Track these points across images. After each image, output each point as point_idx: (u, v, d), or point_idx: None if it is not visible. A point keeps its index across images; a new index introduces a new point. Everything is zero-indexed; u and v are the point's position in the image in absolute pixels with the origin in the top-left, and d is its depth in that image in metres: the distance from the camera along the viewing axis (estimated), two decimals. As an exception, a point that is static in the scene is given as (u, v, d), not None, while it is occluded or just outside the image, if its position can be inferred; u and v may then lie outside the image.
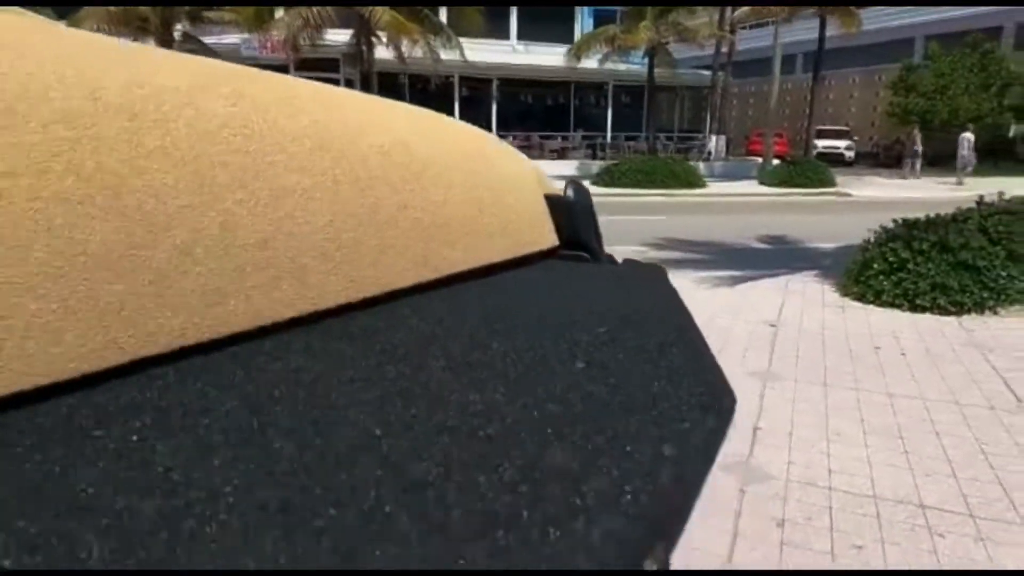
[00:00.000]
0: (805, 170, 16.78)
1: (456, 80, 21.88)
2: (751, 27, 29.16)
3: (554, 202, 0.60)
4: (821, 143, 25.25)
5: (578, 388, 0.35)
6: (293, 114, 0.37)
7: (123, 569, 0.23)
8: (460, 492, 0.26)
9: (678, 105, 28.80)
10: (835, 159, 24.61)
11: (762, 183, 17.19)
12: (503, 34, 24.25)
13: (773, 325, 4.57)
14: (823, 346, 4.12)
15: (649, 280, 0.58)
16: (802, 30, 23.16)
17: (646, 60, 18.19)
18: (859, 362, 3.83)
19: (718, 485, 2.45)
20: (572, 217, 0.60)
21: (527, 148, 22.91)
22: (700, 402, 0.37)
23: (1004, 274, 4.81)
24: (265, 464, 0.26)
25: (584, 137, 24.14)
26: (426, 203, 0.43)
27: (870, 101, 28.94)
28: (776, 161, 18.51)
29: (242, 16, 15.63)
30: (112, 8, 14.68)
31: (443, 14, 18.12)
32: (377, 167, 0.40)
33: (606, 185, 15.67)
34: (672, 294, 0.55)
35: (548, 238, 0.57)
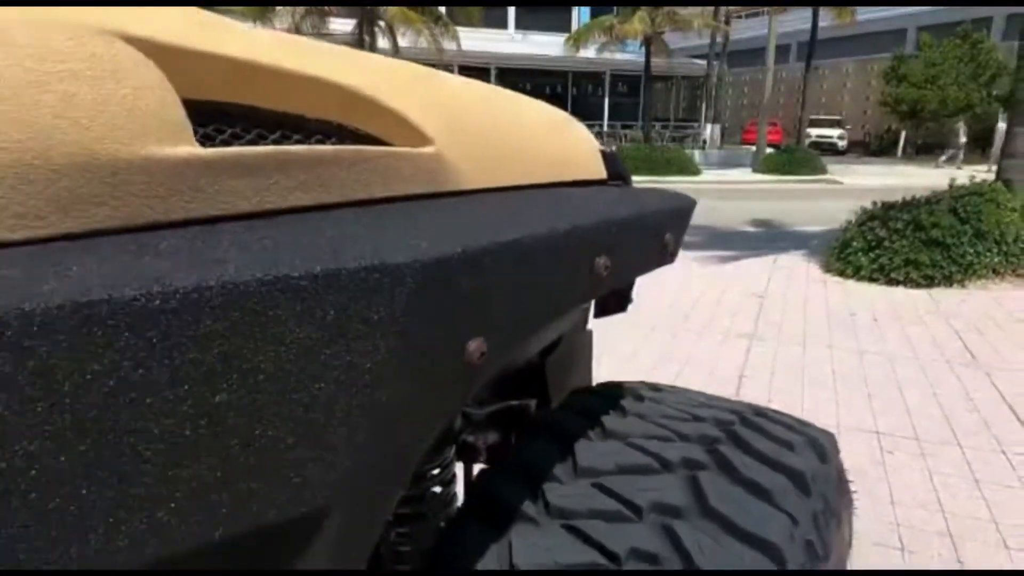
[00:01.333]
0: (797, 158, 17.23)
1: (455, 70, 22.17)
2: (747, 17, 29.50)
3: (603, 155, 1.02)
4: (814, 132, 25.70)
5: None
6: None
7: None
8: None
9: (674, 94, 29.17)
10: (828, 148, 25.09)
11: (755, 171, 17.64)
12: (501, 23, 24.55)
13: (760, 296, 5.01)
14: (804, 314, 4.56)
15: (651, 193, 0.98)
16: (798, 20, 23.52)
17: (643, 49, 18.54)
18: (835, 327, 4.28)
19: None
20: (611, 164, 1.02)
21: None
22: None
23: (971, 250, 5.26)
24: None
25: (582, 126, 24.48)
26: (555, 154, 0.85)
27: (863, 91, 29.37)
28: (770, 150, 18.95)
29: (243, 5, 15.89)
30: None
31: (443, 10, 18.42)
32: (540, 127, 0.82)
33: (604, 172, 16.07)
34: (657, 193, 0.94)
35: (601, 173, 0.99)
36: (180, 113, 0.38)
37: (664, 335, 4.07)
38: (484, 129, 0.68)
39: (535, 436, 0.80)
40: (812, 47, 18.29)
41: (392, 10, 14.59)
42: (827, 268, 5.85)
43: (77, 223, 0.34)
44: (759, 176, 16.90)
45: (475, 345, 0.46)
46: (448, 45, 17.11)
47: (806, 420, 0.91)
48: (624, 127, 24.14)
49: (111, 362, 0.28)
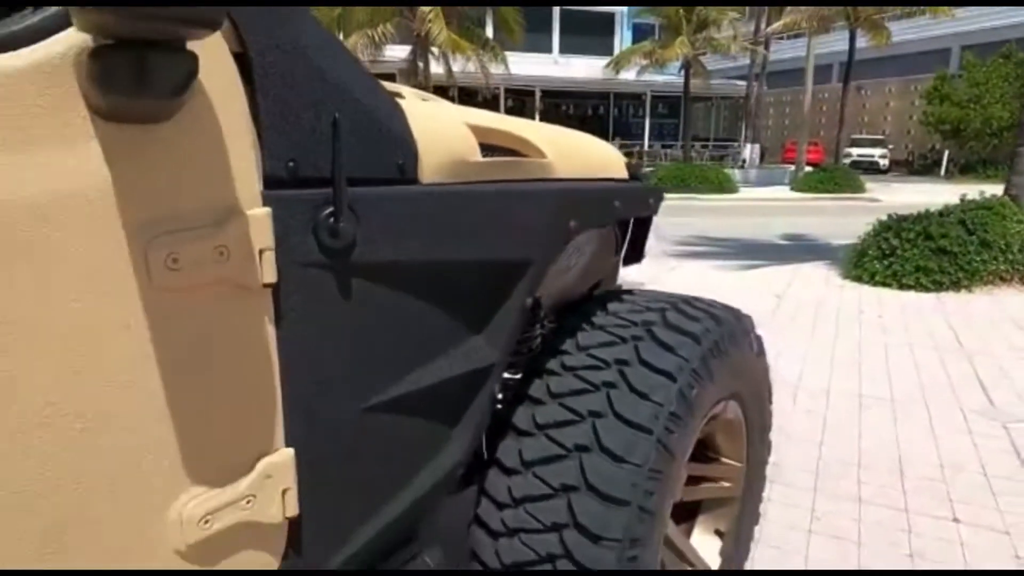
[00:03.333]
0: (835, 177, 17.58)
1: (502, 92, 23.16)
2: (789, 37, 29.83)
3: (627, 165, 1.75)
4: (856, 151, 25.85)
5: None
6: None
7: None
8: None
9: (714, 114, 29.62)
10: (870, 167, 25.20)
11: (793, 189, 18.03)
12: (546, 48, 25.50)
13: (778, 296, 5.62)
14: (816, 311, 5.16)
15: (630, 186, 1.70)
16: (839, 40, 23.86)
17: (683, 72, 19.20)
18: (842, 321, 4.87)
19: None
20: (631, 171, 1.75)
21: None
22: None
23: (977, 258, 5.77)
24: None
25: (622, 145, 25.17)
26: (600, 161, 1.58)
27: (906, 110, 29.35)
28: (808, 168, 19.31)
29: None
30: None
31: (489, 30, 19.42)
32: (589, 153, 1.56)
33: (643, 190, 16.70)
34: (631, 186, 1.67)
35: (624, 175, 1.72)
36: (476, 144, 1.12)
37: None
38: (567, 151, 1.41)
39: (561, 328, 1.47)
40: (849, 67, 18.66)
41: (443, 37, 15.61)
42: (845, 275, 6.40)
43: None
44: (795, 194, 17.29)
45: (574, 223, 1.19)
46: (495, 69, 18.07)
47: (728, 305, 1.59)
48: (665, 146, 24.76)
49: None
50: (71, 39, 0.58)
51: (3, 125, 0.55)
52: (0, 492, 0.58)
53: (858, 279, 6.19)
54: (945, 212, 6.19)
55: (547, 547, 1.14)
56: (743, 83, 23.56)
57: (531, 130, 1.30)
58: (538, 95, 24.21)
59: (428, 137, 0.98)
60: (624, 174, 1.72)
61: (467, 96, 22.10)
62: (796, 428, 2.99)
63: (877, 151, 26.41)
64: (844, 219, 12.55)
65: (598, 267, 1.85)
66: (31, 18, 0.58)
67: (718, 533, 1.67)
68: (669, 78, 22.07)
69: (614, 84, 22.37)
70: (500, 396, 1.31)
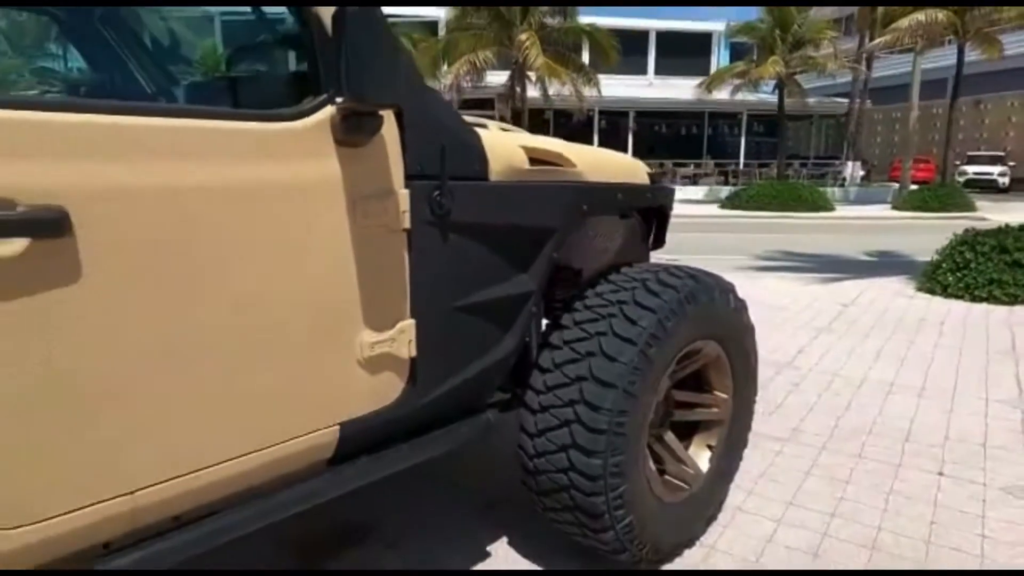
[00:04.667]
0: (941, 195, 16.93)
1: (596, 113, 23.85)
2: (900, 52, 28.69)
3: (649, 175, 2.37)
4: (971, 169, 24.51)
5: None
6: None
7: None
8: None
9: (814, 132, 28.91)
10: (987, 185, 23.80)
11: (895, 208, 17.49)
12: (641, 70, 25.97)
13: (844, 305, 5.91)
14: (879, 318, 5.43)
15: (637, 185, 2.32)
16: (952, 54, 22.86)
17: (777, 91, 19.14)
18: (902, 328, 5.13)
19: (765, 372, 4.00)
20: (652, 178, 2.37)
21: (660, 175, 24.37)
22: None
23: (1054, 272, 5.81)
24: None
25: (717, 164, 25.17)
26: (621, 170, 2.21)
27: (1031, 125, 27.41)
28: (913, 187, 18.64)
29: (421, 65, 18.59)
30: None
31: (585, 56, 20.21)
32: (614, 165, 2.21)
33: (732, 208, 16.83)
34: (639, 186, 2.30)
35: (646, 180, 2.35)
36: (525, 157, 1.80)
37: (749, 326, 5.16)
38: (592, 162, 2.07)
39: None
40: (957, 83, 17.94)
41: (539, 63, 16.53)
42: (919, 287, 6.56)
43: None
44: (896, 213, 16.79)
45: (586, 207, 1.86)
46: (588, 92, 18.80)
47: (711, 272, 2.16)
48: (761, 165, 24.49)
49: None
50: (328, 111, 1.32)
51: (304, 148, 1.29)
52: (300, 322, 1.31)
53: (930, 291, 6.34)
54: (1021, 228, 6.24)
55: (564, 416, 1.78)
56: (845, 100, 23.01)
57: (566, 148, 1.97)
58: (631, 116, 24.70)
59: (494, 153, 1.67)
60: (645, 180, 2.36)
61: (563, 118, 22.97)
62: (822, 405, 3.44)
63: (996, 169, 24.85)
64: (942, 236, 12.21)
65: (629, 250, 2.49)
66: (314, 103, 1.32)
67: (709, 447, 2.24)
68: (765, 96, 21.96)
69: (708, 104, 22.52)
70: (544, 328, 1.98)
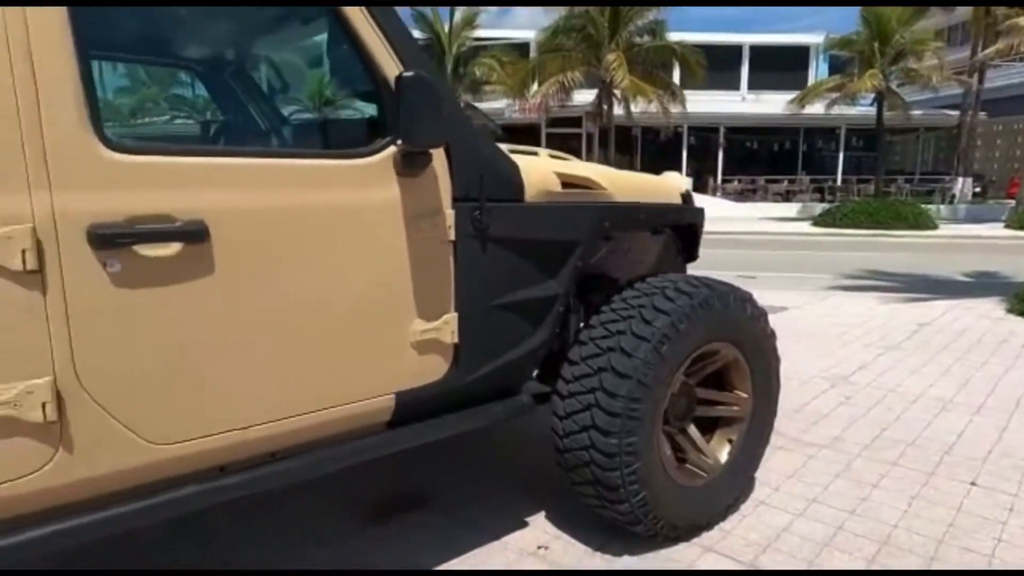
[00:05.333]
0: (1062, 213, 15.67)
1: (685, 130, 23.71)
2: (1021, 60, 26.78)
3: (682, 194, 2.66)
4: (1107, 185, 22.35)
5: None
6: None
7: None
8: None
9: (920, 146, 27.34)
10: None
11: (1008, 227, 16.36)
12: (733, 85, 25.57)
13: (921, 324, 5.81)
14: (955, 338, 5.32)
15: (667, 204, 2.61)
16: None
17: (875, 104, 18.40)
18: (978, 348, 5.02)
19: (819, 385, 4.11)
20: (684, 198, 2.65)
21: (751, 191, 23.88)
22: None
23: None
24: None
25: (812, 180, 24.33)
26: (650, 191, 2.51)
27: None
28: (1033, 204, 17.33)
29: (508, 85, 19.29)
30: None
31: (676, 75, 20.23)
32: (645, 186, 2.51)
33: (826, 225, 16.30)
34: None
35: (678, 199, 2.63)
36: (558, 181, 2.14)
37: (815, 341, 5.20)
38: (621, 184, 2.39)
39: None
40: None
41: (625, 82, 16.77)
42: (1009, 309, 6.30)
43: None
44: (1009, 232, 15.69)
45: (607, 223, 2.19)
46: (675, 109, 18.81)
47: (729, 283, 2.41)
48: (860, 181, 23.45)
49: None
50: (391, 150, 1.72)
51: (374, 178, 1.70)
52: (368, 308, 1.72)
53: (1021, 313, 6.09)
54: None
55: (586, 401, 2.10)
56: (955, 113, 21.70)
57: (597, 173, 2.30)
58: (722, 132, 24.34)
59: (530, 179, 2.03)
60: (676, 200, 2.64)
61: (651, 134, 22.99)
62: (869, 418, 3.53)
63: None
64: (1055, 258, 11.42)
65: (664, 263, 2.78)
66: (381, 144, 1.72)
67: (729, 441, 2.48)
68: (865, 109, 21.08)
69: (804, 119, 21.88)
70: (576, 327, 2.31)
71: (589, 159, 23.33)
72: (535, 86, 18.88)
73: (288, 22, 2.04)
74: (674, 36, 19.43)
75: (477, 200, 1.88)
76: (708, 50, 21.38)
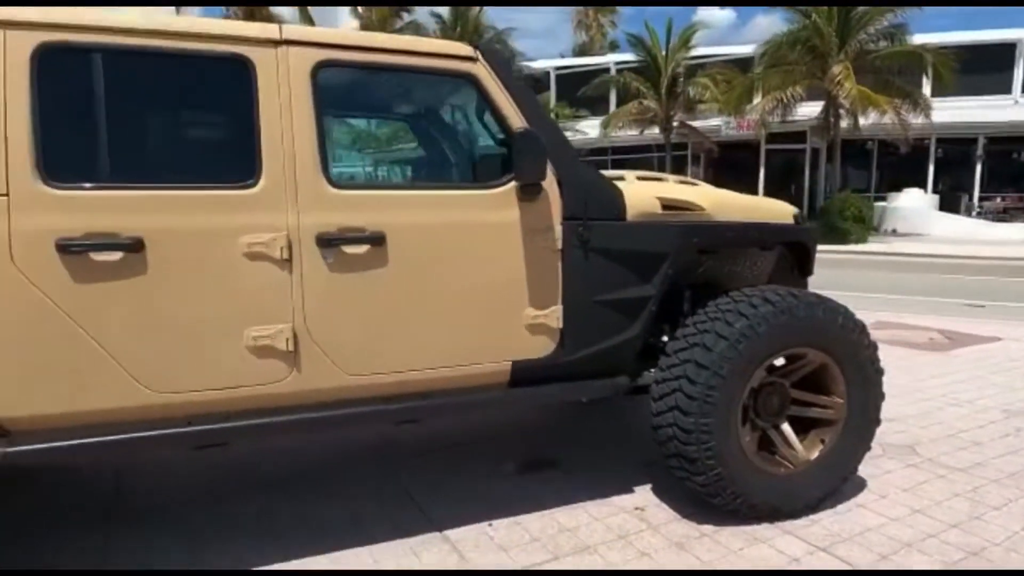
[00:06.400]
0: None
1: (932, 141, 21.16)
2: None
3: (793, 216, 2.94)
4: None
5: None
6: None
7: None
8: None
9: None
10: None
11: None
12: (1001, 88, 22.19)
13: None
14: None
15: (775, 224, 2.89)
16: None
17: None
18: None
19: (991, 416, 3.89)
20: (795, 218, 2.93)
21: (1019, 209, 20.46)
22: None
23: None
24: None
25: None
26: (759, 212, 2.85)
27: None
28: None
29: (724, 102, 19.02)
30: (632, 108, 19.89)
31: (926, 87, 18.25)
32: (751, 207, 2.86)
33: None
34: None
35: (786, 222, 2.92)
36: (657, 202, 2.62)
37: (1018, 375, 4.77)
38: (721, 205, 2.77)
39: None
40: None
41: (853, 93, 15.63)
42: None
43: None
44: None
45: (696, 240, 2.62)
46: (919, 119, 16.99)
47: (822, 296, 2.65)
48: None
49: None
50: (512, 184, 2.37)
51: (503, 203, 2.36)
52: (496, 296, 2.39)
53: None
54: None
55: (672, 387, 2.53)
56: None
57: (696, 194, 2.74)
58: (981, 142, 21.19)
59: (631, 202, 2.56)
60: (786, 221, 2.94)
61: (890, 148, 20.88)
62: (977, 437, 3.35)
63: None
64: None
65: (779, 277, 3.07)
66: (507, 178, 2.38)
67: (821, 441, 2.71)
68: None
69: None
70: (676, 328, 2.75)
71: (814, 176, 21.92)
72: (758, 99, 18.35)
73: (443, 87, 2.78)
74: (921, 38, 17.61)
75: (581, 219, 2.45)
76: (969, 50, 18.95)
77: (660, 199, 2.64)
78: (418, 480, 3.05)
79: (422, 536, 2.57)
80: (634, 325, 2.61)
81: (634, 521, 2.69)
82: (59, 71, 1.90)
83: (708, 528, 2.61)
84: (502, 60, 2.48)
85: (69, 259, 1.89)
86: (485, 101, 2.38)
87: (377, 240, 2.20)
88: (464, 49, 2.38)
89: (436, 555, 2.45)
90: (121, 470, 3.22)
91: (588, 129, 23.29)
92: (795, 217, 3.00)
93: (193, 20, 2.18)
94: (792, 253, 3.05)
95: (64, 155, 1.91)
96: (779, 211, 2.98)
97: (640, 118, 20.76)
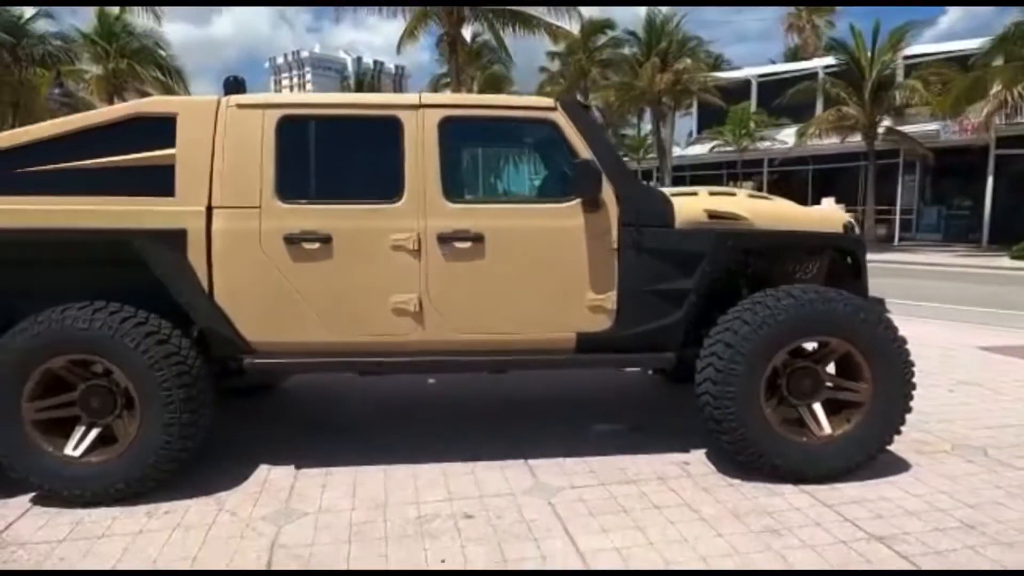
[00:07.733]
0: None
1: None
2: None
3: (844, 224, 3.36)
4: None
5: None
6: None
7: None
8: None
9: None
10: None
11: None
12: None
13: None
14: None
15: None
16: None
17: None
18: None
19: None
20: (846, 227, 3.35)
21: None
22: None
23: None
24: None
25: None
26: (809, 221, 3.33)
27: None
28: None
29: (937, 104, 17.31)
30: (830, 116, 18.98)
31: None
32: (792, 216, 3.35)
33: None
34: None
35: (839, 229, 3.35)
36: (703, 213, 3.25)
37: None
38: (765, 215, 3.30)
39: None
40: None
41: None
42: None
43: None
44: None
45: (731, 243, 3.22)
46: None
47: (844, 294, 3.06)
48: None
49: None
50: (575, 199, 3.18)
51: (571, 213, 3.19)
52: (567, 281, 3.23)
53: None
54: None
55: (707, 362, 3.15)
56: None
57: (744, 206, 3.31)
58: None
59: (680, 212, 3.24)
60: (834, 230, 3.38)
61: None
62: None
63: None
64: None
65: (835, 280, 3.51)
66: (572, 200, 3.20)
67: (847, 420, 3.13)
68: None
69: None
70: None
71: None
72: (991, 92, 16.37)
73: (532, 129, 3.59)
74: None
75: (635, 225, 3.18)
76: None
77: (707, 210, 3.26)
78: (527, 432, 3.93)
79: (511, 461, 3.46)
80: (677, 311, 3.25)
81: (676, 470, 3.33)
82: (288, 132, 3.12)
83: (736, 481, 3.17)
84: (576, 108, 3.30)
85: (290, 247, 3.09)
86: (560, 138, 3.22)
87: (478, 238, 3.15)
88: (546, 102, 3.26)
89: (515, 471, 3.33)
90: (314, 398, 4.56)
91: (788, 138, 22.38)
92: (845, 226, 3.39)
93: (363, 95, 3.34)
94: (844, 258, 3.45)
95: (290, 182, 3.13)
96: (830, 219, 3.40)
97: (839, 125, 19.61)
